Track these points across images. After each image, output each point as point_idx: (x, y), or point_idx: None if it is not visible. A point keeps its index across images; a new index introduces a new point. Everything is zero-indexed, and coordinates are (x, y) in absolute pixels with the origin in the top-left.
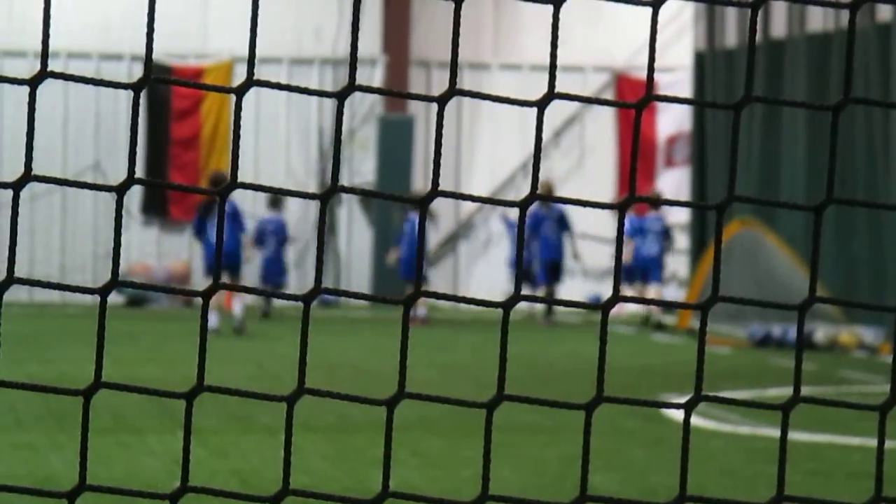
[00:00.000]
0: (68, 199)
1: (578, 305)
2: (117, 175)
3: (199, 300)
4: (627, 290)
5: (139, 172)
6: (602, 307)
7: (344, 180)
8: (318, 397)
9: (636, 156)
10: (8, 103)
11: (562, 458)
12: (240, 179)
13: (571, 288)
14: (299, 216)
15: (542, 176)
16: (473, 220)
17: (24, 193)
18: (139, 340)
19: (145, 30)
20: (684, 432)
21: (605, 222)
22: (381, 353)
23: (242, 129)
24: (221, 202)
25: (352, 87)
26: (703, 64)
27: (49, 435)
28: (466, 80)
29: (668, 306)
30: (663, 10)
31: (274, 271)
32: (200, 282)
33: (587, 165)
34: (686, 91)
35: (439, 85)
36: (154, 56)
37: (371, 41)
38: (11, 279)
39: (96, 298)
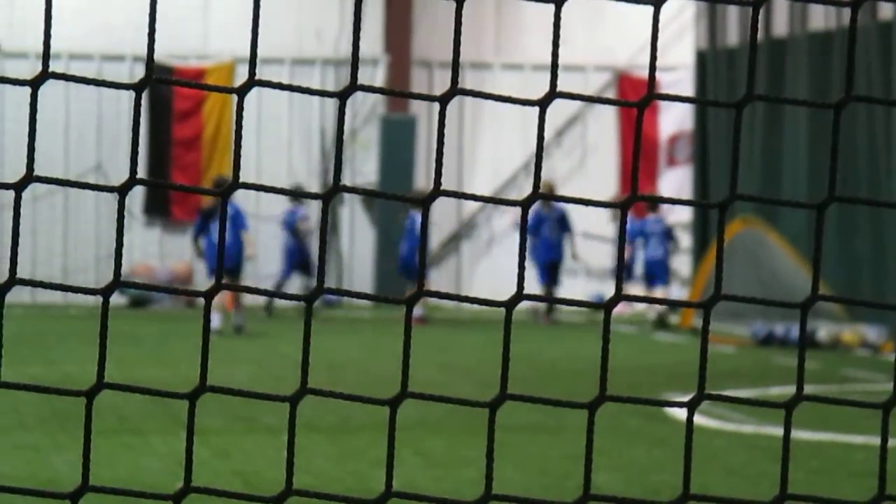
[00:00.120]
0: (70, 200)
1: (581, 304)
2: (119, 176)
3: (202, 301)
4: (631, 291)
5: (141, 173)
6: (605, 306)
7: (346, 180)
8: (320, 397)
9: (638, 155)
10: (9, 104)
11: (565, 457)
12: (241, 180)
13: (574, 287)
14: (301, 216)
15: (543, 176)
16: (476, 219)
17: (26, 194)
18: (142, 341)
19: (147, 31)
20: (687, 431)
21: (606, 222)
22: (383, 353)
23: (244, 130)
24: (223, 202)
25: (353, 87)
26: (705, 63)
27: (52, 436)
28: (468, 80)
29: (670, 305)
30: (665, 10)
31: (298, 262)
32: (203, 282)
33: (589, 165)
34: (688, 90)
35: (441, 85)
36: (155, 57)
37: (373, 41)
38: (14, 280)
39: (99, 299)
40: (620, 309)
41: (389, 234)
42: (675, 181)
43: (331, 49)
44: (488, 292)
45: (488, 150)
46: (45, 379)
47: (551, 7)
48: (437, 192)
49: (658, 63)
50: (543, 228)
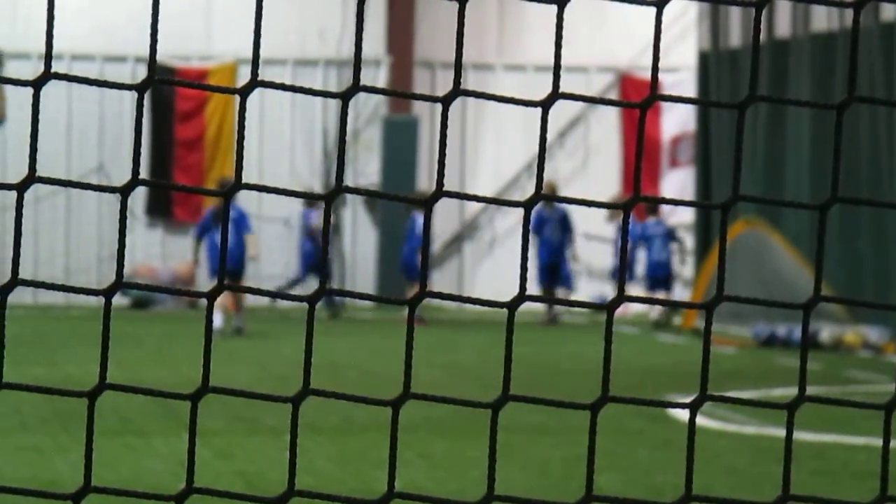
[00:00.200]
0: (73, 201)
1: (583, 305)
2: (121, 177)
3: (204, 302)
4: (633, 293)
5: (143, 174)
6: (607, 307)
7: (348, 181)
8: (323, 398)
9: (641, 156)
10: (12, 105)
11: (567, 458)
12: (244, 181)
13: (576, 288)
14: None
15: (546, 176)
16: (478, 220)
17: (28, 195)
18: (144, 342)
19: (149, 31)
20: (690, 432)
21: (604, 223)
22: (385, 354)
23: (246, 131)
24: (226, 203)
25: (356, 87)
26: (708, 64)
27: (54, 437)
28: (470, 81)
29: (673, 306)
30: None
31: (315, 264)
32: (205, 283)
33: (591, 166)
34: (690, 91)
35: (443, 85)
36: (158, 58)
37: (375, 42)
38: (16, 281)
39: (101, 300)
40: (622, 310)
41: (392, 235)
42: (677, 182)
43: (333, 50)
44: (491, 293)
45: (490, 150)
46: (47, 380)
47: (554, 8)
48: (440, 193)
49: (660, 64)
50: (546, 229)
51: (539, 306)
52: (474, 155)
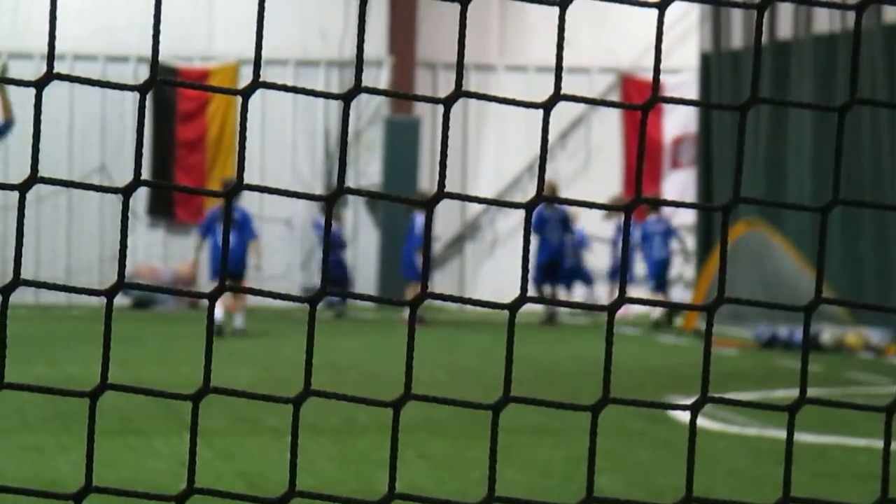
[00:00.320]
0: (74, 201)
1: (584, 307)
2: (123, 177)
3: (206, 302)
4: (633, 293)
5: (145, 174)
6: (608, 308)
7: (350, 182)
8: (324, 399)
9: (642, 157)
10: (14, 105)
11: (568, 459)
12: (245, 182)
13: (576, 289)
14: (305, 217)
15: (547, 177)
16: (479, 221)
17: (30, 195)
18: (145, 342)
19: (151, 32)
20: (691, 433)
21: (602, 222)
22: (387, 355)
23: (248, 131)
24: (227, 204)
25: (358, 88)
26: (709, 65)
27: (55, 437)
28: (472, 82)
29: (674, 307)
30: (669, 12)
31: (335, 275)
32: (206, 284)
33: (593, 167)
34: (692, 92)
35: (445, 86)
36: (160, 58)
37: (377, 43)
38: (18, 281)
39: (102, 300)
40: (623, 311)
41: (393, 235)
42: (678, 183)
43: (335, 50)
44: (492, 294)
45: (492, 151)
46: (48, 380)
47: (555, 9)
48: (441, 193)
49: (662, 65)
50: (547, 229)
51: (539, 307)
52: (476, 156)
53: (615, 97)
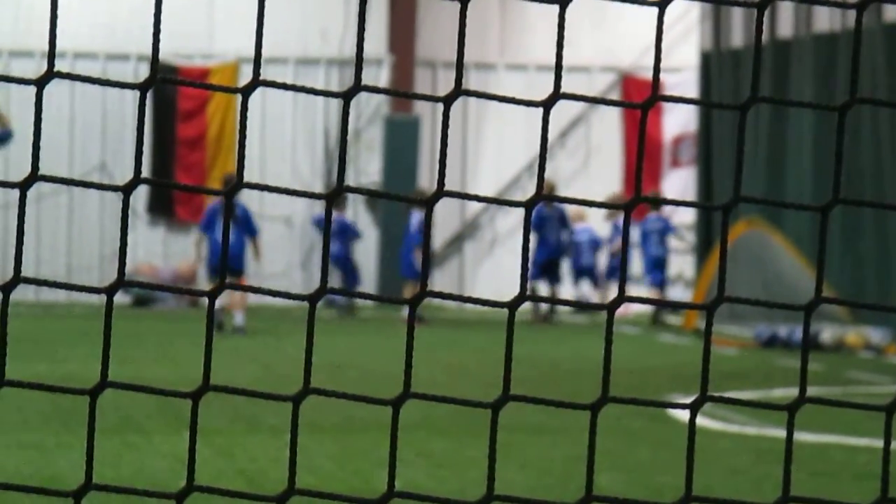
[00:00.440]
0: (75, 200)
1: (584, 306)
2: (123, 175)
3: (206, 300)
4: (632, 292)
5: (145, 173)
6: (608, 307)
7: (350, 181)
8: (323, 397)
9: (642, 156)
10: (15, 103)
11: (567, 458)
12: (245, 180)
13: (569, 287)
14: (305, 216)
15: (547, 176)
16: (479, 220)
17: (30, 193)
18: (145, 340)
19: (152, 30)
20: (690, 433)
21: (601, 221)
22: (386, 354)
23: (248, 130)
24: (228, 202)
25: (358, 87)
26: (710, 64)
27: (55, 434)
28: (472, 81)
29: (673, 307)
30: (669, 11)
31: (341, 270)
32: (206, 282)
33: (593, 166)
34: (692, 91)
35: (445, 85)
36: (160, 56)
37: (377, 41)
38: (18, 279)
39: (103, 298)
40: (622, 310)
41: (393, 234)
42: (678, 182)
43: (335, 49)
44: (491, 293)
45: (492, 150)
46: (48, 377)
47: (556, 8)
48: (441, 192)
49: (662, 64)
50: (546, 227)
51: (538, 305)
52: (475, 154)
53: (615, 96)
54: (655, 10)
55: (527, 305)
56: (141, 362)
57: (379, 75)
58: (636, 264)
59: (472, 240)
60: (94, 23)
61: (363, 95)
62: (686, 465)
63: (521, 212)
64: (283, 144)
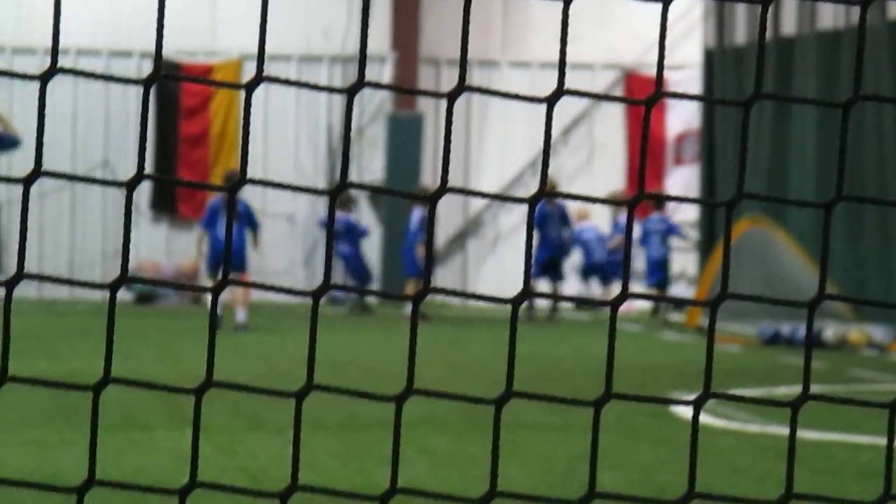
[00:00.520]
0: (77, 196)
1: (587, 302)
2: (126, 172)
3: (208, 297)
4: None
5: (148, 170)
6: (611, 304)
7: (353, 177)
8: (326, 394)
9: (645, 153)
10: (17, 100)
11: (570, 455)
12: (248, 177)
13: (574, 285)
14: (308, 213)
15: (550, 173)
16: (482, 217)
17: (33, 190)
18: (148, 337)
19: (155, 27)
20: (693, 430)
21: (605, 219)
22: (389, 351)
23: (251, 127)
24: (231, 198)
25: (361, 83)
26: (713, 61)
27: (58, 431)
28: (475, 78)
29: (677, 304)
30: (673, 8)
31: (354, 269)
32: (205, 277)
33: (596, 163)
34: (695, 89)
35: (448, 82)
36: (163, 53)
37: (380, 38)
38: (21, 275)
39: (105, 295)
40: (624, 307)
41: (396, 231)
42: (682, 180)
43: (338, 46)
44: (494, 290)
45: (495, 147)
46: (51, 374)
47: (559, 5)
48: (444, 189)
49: (666, 62)
50: (548, 225)
51: (542, 302)
52: (479, 151)
53: (618, 93)
54: (659, 7)
55: (523, 305)
56: (143, 359)
57: (382, 72)
58: (637, 263)
59: (475, 237)
60: (97, 20)
61: (366, 92)
62: (689, 463)
63: (523, 209)
64: (286, 141)
